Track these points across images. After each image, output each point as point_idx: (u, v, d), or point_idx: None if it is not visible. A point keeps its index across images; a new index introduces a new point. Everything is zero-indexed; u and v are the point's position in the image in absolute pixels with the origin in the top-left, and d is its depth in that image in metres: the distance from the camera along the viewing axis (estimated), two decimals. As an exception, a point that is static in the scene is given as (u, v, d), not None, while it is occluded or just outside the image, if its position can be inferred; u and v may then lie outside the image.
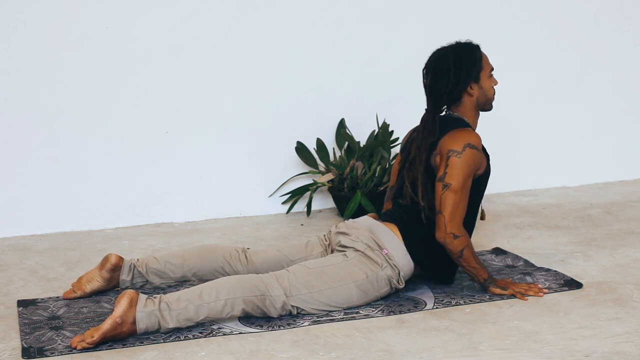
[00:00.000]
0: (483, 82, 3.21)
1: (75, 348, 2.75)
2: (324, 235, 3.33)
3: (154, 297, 2.88)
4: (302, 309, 3.02)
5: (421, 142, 3.18)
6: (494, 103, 3.31)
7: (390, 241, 3.12)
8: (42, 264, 3.73)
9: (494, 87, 3.26)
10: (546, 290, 3.21)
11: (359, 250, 3.10)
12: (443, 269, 3.25)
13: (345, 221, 3.28)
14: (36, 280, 3.50)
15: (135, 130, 4.31)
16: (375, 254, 3.09)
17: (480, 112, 3.28)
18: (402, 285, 3.13)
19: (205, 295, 2.90)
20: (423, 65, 3.27)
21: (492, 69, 3.26)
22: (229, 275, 3.22)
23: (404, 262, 3.12)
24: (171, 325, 2.86)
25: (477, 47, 3.24)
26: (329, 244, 3.28)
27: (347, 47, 4.57)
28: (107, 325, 2.77)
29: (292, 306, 2.99)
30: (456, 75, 3.16)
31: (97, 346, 2.77)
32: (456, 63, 3.18)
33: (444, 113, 3.23)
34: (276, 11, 4.44)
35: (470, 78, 3.18)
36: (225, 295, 2.91)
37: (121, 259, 3.24)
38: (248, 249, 3.33)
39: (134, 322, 2.81)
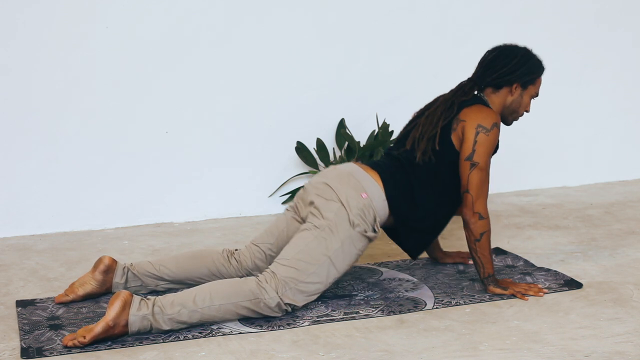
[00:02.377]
0: (526, 93, 3.27)
1: (66, 345, 2.77)
2: (294, 204, 3.26)
3: (148, 299, 2.89)
4: (295, 305, 3.00)
5: (452, 99, 3.20)
6: (512, 124, 3.37)
7: (369, 186, 3.10)
8: (42, 264, 3.73)
9: (526, 111, 3.31)
10: (546, 290, 3.21)
11: (327, 219, 3.04)
12: (414, 229, 3.19)
13: (323, 170, 3.23)
14: (36, 280, 3.50)
15: (135, 130, 4.31)
16: (345, 214, 3.03)
17: None
18: (377, 233, 3.09)
19: (199, 300, 2.90)
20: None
21: (537, 95, 3.31)
22: (224, 277, 3.23)
23: (381, 206, 3.10)
24: (164, 328, 2.87)
25: (543, 68, 3.31)
26: (298, 214, 3.23)
27: (347, 47, 4.57)
28: (99, 328, 2.78)
29: (286, 304, 2.98)
30: (516, 66, 3.23)
31: (88, 346, 2.78)
32: (524, 58, 3.26)
33: (476, 92, 3.25)
34: (276, 11, 4.44)
35: (523, 78, 3.23)
36: (219, 300, 2.92)
37: (115, 261, 3.22)
38: (236, 250, 3.32)
39: (126, 325, 2.82)
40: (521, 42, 4.84)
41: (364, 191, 3.08)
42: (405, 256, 3.74)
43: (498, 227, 4.21)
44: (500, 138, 4.83)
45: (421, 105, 3.26)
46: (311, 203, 3.12)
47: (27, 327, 2.96)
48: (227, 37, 4.38)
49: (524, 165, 4.97)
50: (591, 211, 4.46)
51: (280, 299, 2.96)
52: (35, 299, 3.23)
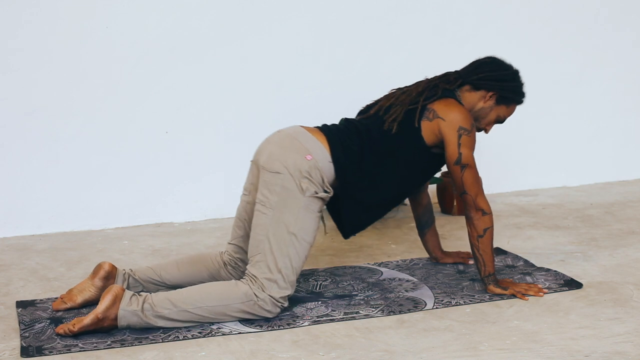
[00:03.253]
0: (496, 110, 3.26)
1: (58, 333, 2.85)
2: (246, 184, 3.22)
3: (140, 295, 2.92)
4: (289, 293, 2.98)
5: (437, 82, 3.20)
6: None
7: (314, 147, 3.04)
8: (42, 264, 3.73)
9: (485, 130, 3.30)
10: (546, 291, 3.21)
11: (277, 194, 2.99)
12: (355, 199, 3.11)
13: (268, 136, 3.15)
14: (36, 280, 3.50)
15: (135, 130, 4.31)
16: (293, 181, 2.99)
17: None
18: (330, 193, 3.05)
19: (190, 301, 2.92)
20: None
21: (503, 121, 3.31)
22: (225, 280, 3.23)
23: (327, 168, 3.04)
24: (155, 324, 2.90)
25: (524, 98, 3.32)
26: (253, 194, 3.18)
27: (347, 47, 4.57)
28: (88, 320, 2.85)
29: (279, 298, 2.97)
30: (504, 78, 3.24)
31: (79, 335, 2.85)
32: (514, 76, 3.27)
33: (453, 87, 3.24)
34: (276, 11, 4.44)
35: (503, 92, 3.23)
36: (210, 302, 2.94)
37: (114, 267, 3.20)
38: (224, 251, 3.30)
39: (115, 319, 2.87)
40: (522, 43, 4.87)
41: (308, 153, 3.02)
42: (406, 256, 3.74)
43: (498, 227, 4.20)
44: (501, 138, 4.86)
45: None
46: (259, 179, 3.07)
47: (27, 326, 2.96)
48: (227, 37, 4.38)
49: (524, 165, 4.97)
50: (591, 211, 4.46)
51: (271, 297, 2.96)
52: (35, 300, 3.23)
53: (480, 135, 4.80)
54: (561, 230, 4.11)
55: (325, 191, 3.03)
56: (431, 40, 4.71)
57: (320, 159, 3.03)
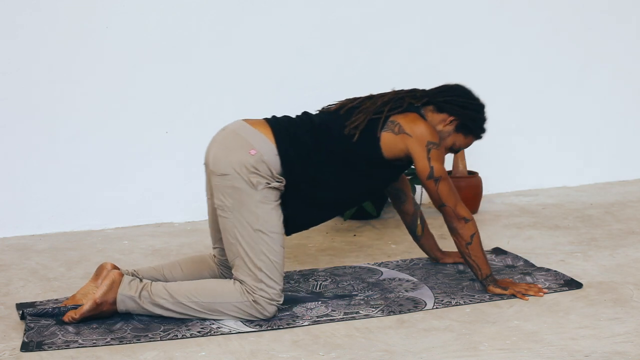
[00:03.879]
0: (453, 137, 3.21)
1: (63, 321, 2.94)
2: (207, 194, 3.18)
3: (139, 281, 2.96)
4: (280, 289, 2.98)
5: (404, 96, 3.16)
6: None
7: (257, 141, 2.99)
8: (42, 264, 3.73)
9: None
10: (546, 291, 3.21)
11: (230, 195, 2.97)
12: (300, 194, 3.07)
13: (214, 135, 3.11)
14: (36, 280, 3.50)
15: (135, 130, 4.31)
16: (241, 179, 2.95)
17: None
18: (283, 182, 3.00)
19: (187, 294, 2.95)
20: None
21: (457, 151, 3.27)
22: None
23: (273, 161, 2.98)
24: (152, 312, 2.95)
25: (483, 134, 3.29)
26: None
27: (347, 47, 4.57)
28: (87, 306, 2.91)
29: (273, 295, 2.96)
30: (469, 106, 3.21)
31: (81, 322, 2.93)
32: (480, 109, 3.25)
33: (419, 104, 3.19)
34: (276, 11, 4.44)
35: (466, 119, 3.20)
36: (207, 298, 2.96)
37: (117, 268, 3.18)
38: (213, 255, 3.30)
39: (114, 303, 2.93)
40: (522, 43, 4.87)
41: (252, 147, 2.98)
42: (406, 256, 3.74)
43: (498, 227, 4.21)
44: (500, 138, 4.86)
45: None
46: (212, 183, 3.04)
47: (33, 323, 2.96)
48: (228, 37, 4.38)
49: (524, 165, 4.97)
50: (591, 211, 4.46)
51: (263, 297, 2.95)
52: (35, 302, 3.22)
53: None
54: (561, 230, 4.11)
55: (278, 181, 3.00)
56: (431, 40, 4.71)
57: (265, 152, 2.98)
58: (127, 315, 3.00)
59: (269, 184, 2.97)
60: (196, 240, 4.07)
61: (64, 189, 4.24)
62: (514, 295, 3.16)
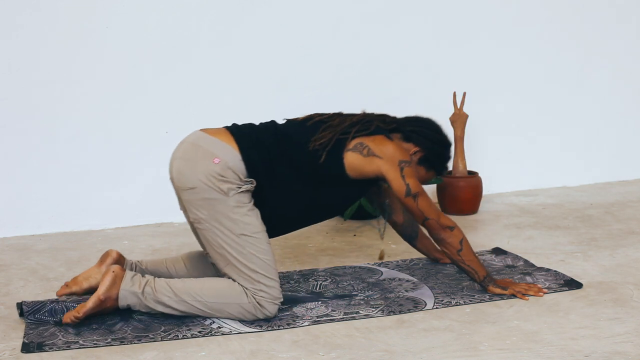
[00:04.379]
0: (415, 169, 3.16)
1: (65, 322, 2.91)
2: (181, 208, 3.16)
3: (142, 277, 2.96)
4: (277, 287, 2.97)
5: (372, 119, 3.13)
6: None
7: (219, 150, 2.96)
8: (42, 264, 3.74)
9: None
10: (546, 291, 3.21)
11: (204, 208, 2.95)
12: (268, 201, 3.03)
13: (174, 150, 3.07)
14: (36, 280, 3.50)
15: (135, 130, 4.31)
16: (211, 190, 2.92)
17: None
18: (253, 184, 2.96)
19: (190, 294, 2.95)
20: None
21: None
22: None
23: (238, 166, 2.95)
24: (154, 309, 2.95)
25: (440, 174, 3.30)
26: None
27: (347, 47, 4.57)
28: (90, 303, 2.91)
29: (275, 293, 2.96)
30: (435, 141, 3.20)
31: (81, 323, 2.92)
32: (446, 147, 3.24)
33: (390, 128, 3.17)
34: (276, 11, 4.44)
35: (430, 153, 3.18)
36: (210, 298, 2.96)
37: (122, 255, 3.19)
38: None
39: (117, 299, 2.92)
40: (521, 43, 4.86)
41: (215, 156, 2.94)
42: (405, 256, 3.73)
43: (498, 227, 4.21)
44: (501, 138, 4.86)
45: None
46: (182, 198, 3.03)
47: (33, 323, 2.96)
48: (228, 37, 4.38)
49: (524, 165, 4.97)
50: (591, 211, 4.46)
51: (265, 299, 2.95)
52: (36, 301, 3.22)
53: (480, 135, 4.81)
54: (561, 230, 4.11)
55: (248, 183, 2.97)
56: (431, 41, 4.72)
57: (229, 158, 2.95)
58: (127, 316, 3.01)
59: (239, 187, 2.95)
60: (196, 241, 4.06)
61: (64, 189, 4.24)
62: (514, 295, 3.16)
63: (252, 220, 2.97)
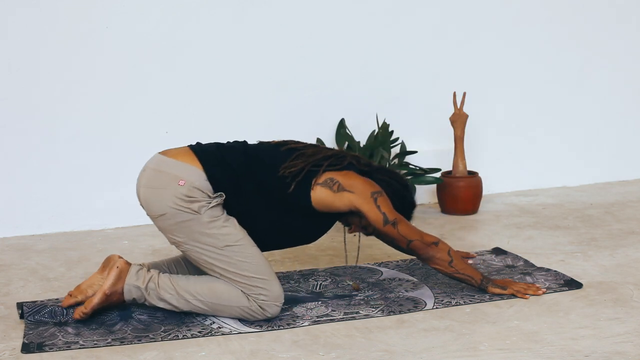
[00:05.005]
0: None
1: (75, 318, 2.97)
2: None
3: (147, 272, 2.97)
4: (277, 282, 2.97)
5: (345, 154, 3.12)
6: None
7: (182, 171, 2.94)
8: (42, 264, 3.74)
9: (351, 228, 3.18)
10: (544, 290, 3.21)
11: (181, 231, 2.93)
12: (241, 219, 3.01)
13: (137, 179, 3.04)
14: (36, 280, 3.50)
15: (136, 130, 4.31)
16: (182, 213, 2.90)
17: None
18: (222, 196, 2.94)
19: (193, 293, 2.96)
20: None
21: (370, 232, 3.19)
22: None
23: (204, 185, 2.93)
24: (156, 304, 2.97)
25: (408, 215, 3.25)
26: None
27: (347, 47, 4.57)
28: (96, 299, 2.94)
29: (276, 295, 2.96)
30: (402, 196, 3.17)
31: (81, 322, 2.96)
32: (411, 203, 3.22)
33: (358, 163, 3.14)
34: (276, 11, 4.44)
35: (393, 198, 3.13)
36: (214, 299, 2.96)
37: (124, 260, 3.19)
38: None
39: (122, 293, 2.95)
40: (522, 43, 4.86)
41: (179, 179, 2.92)
42: (406, 256, 3.73)
43: (498, 227, 4.21)
44: (501, 138, 4.86)
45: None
46: (156, 224, 3.02)
47: (32, 323, 2.97)
48: (228, 37, 4.38)
49: (524, 165, 4.97)
50: (591, 211, 4.46)
51: (268, 301, 2.96)
52: (36, 301, 3.22)
53: (480, 135, 4.81)
54: (561, 230, 4.10)
55: (217, 197, 2.95)
56: (431, 40, 4.71)
57: (194, 179, 2.93)
58: (127, 316, 3.01)
59: (209, 203, 2.93)
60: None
61: (64, 189, 4.24)
62: (513, 295, 3.16)
63: (230, 229, 2.95)
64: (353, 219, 3.15)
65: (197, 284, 2.98)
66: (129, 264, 2.99)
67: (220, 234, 2.93)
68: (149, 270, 3.01)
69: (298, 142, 3.16)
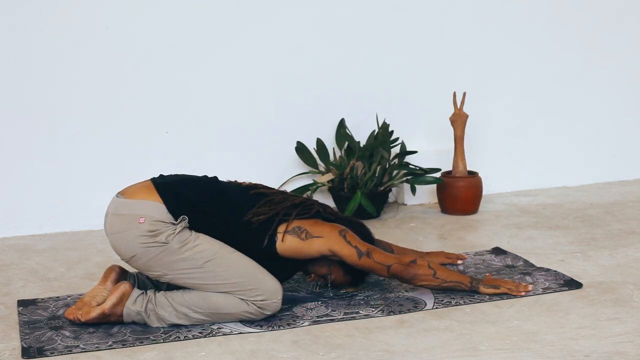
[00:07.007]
0: (338, 269, 3.17)
1: (67, 317, 2.99)
2: None
3: (145, 295, 2.97)
4: (271, 280, 2.99)
5: (309, 201, 3.15)
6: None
7: (141, 209, 2.94)
8: (42, 264, 3.74)
9: (313, 274, 3.19)
10: (531, 287, 3.20)
11: (157, 265, 2.93)
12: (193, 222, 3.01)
13: (104, 226, 3.04)
14: (36, 280, 3.50)
15: (135, 130, 4.31)
16: (151, 247, 2.90)
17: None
18: (185, 219, 2.93)
19: (192, 307, 2.95)
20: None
21: (331, 283, 3.22)
22: None
23: (166, 217, 2.93)
24: (155, 325, 2.96)
25: (363, 282, 3.31)
26: None
27: (347, 46, 4.57)
28: (94, 314, 2.95)
29: (272, 294, 2.96)
30: (363, 229, 3.23)
31: (78, 326, 2.98)
32: (367, 230, 3.26)
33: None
34: (276, 11, 4.44)
35: (359, 233, 3.17)
36: (213, 309, 2.96)
37: (125, 270, 3.16)
38: None
39: (121, 315, 2.96)
40: (522, 43, 4.86)
41: (139, 217, 2.92)
42: (405, 256, 3.73)
43: (498, 227, 4.21)
44: (501, 138, 4.86)
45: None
46: (132, 266, 3.02)
47: (27, 326, 2.97)
48: (228, 37, 4.38)
49: (524, 165, 4.96)
50: (591, 211, 4.46)
51: (267, 301, 2.96)
52: (37, 299, 3.23)
53: (480, 135, 4.81)
54: (561, 230, 4.10)
55: (181, 221, 2.94)
56: (431, 40, 4.71)
57: (154, 213, 2.93)
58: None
59: (175, 230, 2.93)
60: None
61: (64, 189, 4.24)
62: (507, 294, 3.16)
63: (203, 246, 2.95)
64: (315, 268, 3.17)
65: (193, 297, 2.96)
66: (132, 287, 2.97)
67: (194, 253, 2.93)
68: (146, 292, 2.99)
69: (267, 188, 3.18)
